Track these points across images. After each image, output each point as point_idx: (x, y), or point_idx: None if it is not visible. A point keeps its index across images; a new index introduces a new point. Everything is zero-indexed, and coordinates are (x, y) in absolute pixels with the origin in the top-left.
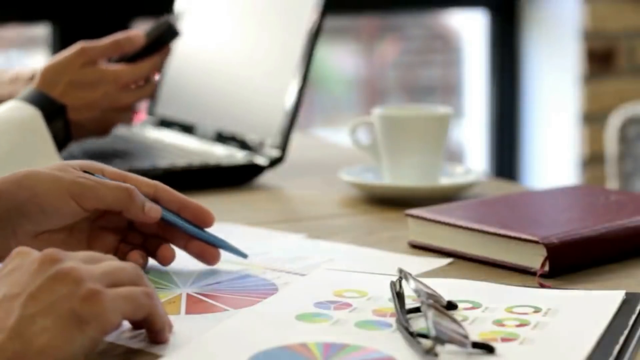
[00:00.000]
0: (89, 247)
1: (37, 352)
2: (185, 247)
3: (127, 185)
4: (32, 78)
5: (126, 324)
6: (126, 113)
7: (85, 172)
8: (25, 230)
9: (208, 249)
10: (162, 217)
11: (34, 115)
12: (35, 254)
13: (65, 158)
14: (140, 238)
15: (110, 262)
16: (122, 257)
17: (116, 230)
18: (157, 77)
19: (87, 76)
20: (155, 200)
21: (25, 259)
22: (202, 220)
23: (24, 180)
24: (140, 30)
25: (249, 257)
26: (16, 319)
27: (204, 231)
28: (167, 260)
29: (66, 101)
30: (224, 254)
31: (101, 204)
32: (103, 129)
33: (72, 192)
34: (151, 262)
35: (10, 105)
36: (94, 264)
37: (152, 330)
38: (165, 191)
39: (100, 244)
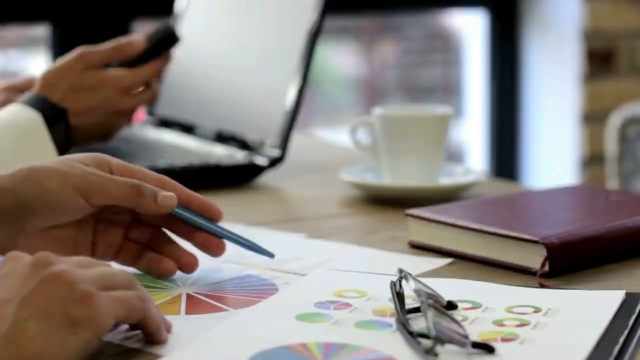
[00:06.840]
0: (94, 242)
1: (31, 357)
2: (189, 238)
3: (134, 181)
4: (23, 90)
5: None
6: (127, 118)
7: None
8: (33, 226)
9: (212, 239)
10: (172, 211)
11: (34, 118)
12: (27, 258)
13: None
14: (145, 234)
15: (103, 268)
16: (127, 254)
17: (120, 223)
18: (157, 82)
19: (88, 80)
20: None
21: (18, 263)
22: (210, 215)
23: (30, 176)
24: (140, 35)
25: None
26: (10, 325)
27: (217, 226)
28: (189, 268)
29: (67, 105)
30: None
31: (109, 199)
32: (105, 134)
33: (79, 188)
34: None
35: (11, 109)
36: (86, 269)
37: (148, 332)
38: (173, 186)
39: (105, 239)
